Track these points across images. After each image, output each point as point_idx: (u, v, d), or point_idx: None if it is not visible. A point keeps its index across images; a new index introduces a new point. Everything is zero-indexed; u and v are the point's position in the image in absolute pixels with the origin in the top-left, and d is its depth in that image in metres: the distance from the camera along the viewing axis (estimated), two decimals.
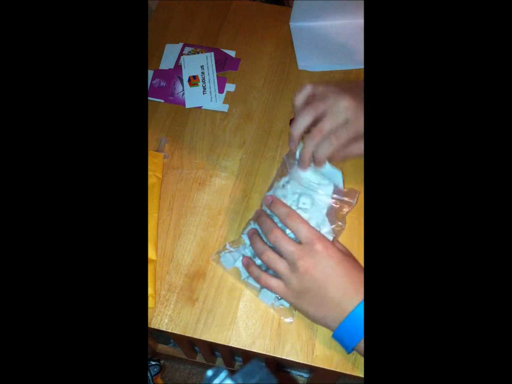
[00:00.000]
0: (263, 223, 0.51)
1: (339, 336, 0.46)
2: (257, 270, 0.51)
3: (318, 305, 0.47)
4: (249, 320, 0.53)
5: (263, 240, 0.51)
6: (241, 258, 0.54)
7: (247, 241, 0.55)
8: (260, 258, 0.50)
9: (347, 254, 0.50)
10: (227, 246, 0.56)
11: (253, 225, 0.56)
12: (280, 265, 0.48)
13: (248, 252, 0.55)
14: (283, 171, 0.57)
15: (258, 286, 0.54)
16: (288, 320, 0.53)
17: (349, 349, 0.46)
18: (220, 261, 0.55)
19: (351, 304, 0.45)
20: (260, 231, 0.52)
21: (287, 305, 0.53)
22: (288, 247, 0.47)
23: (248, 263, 0.52)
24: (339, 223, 0.53)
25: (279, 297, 0.53)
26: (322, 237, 0.48)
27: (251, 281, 0.54)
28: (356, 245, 0.57)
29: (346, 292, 0.46)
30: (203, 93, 0.70)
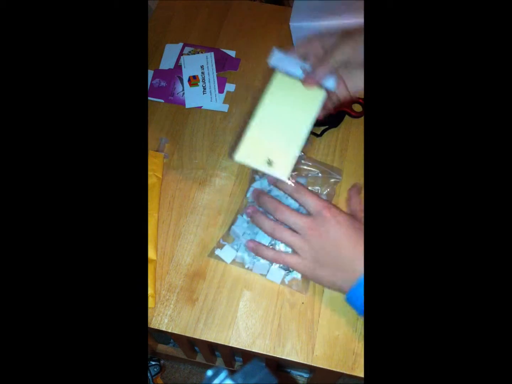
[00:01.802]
0: (266, 202, 0.52)
1: (353, 298, 0.48)
2: (270, 250, 0.52)
3: (332, 269, 0.49)
4: (249, 320, 0.53)
5: (268, 218, 0.52)
6: (240, 249, 0.55)
7: (239, 232, 0.56)
8: (272, 236, 0.51)
9: (354, 219, 0.51)
10: (221, 242, 0.57)
11: (241, 218, 0.57)
12: (294, 239, 0.49)
13: (244, 241, 0.55)
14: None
15: (265, 269, 0.55)
16: (302, 293, 0.54)
17: (361, 311, 0.47)
18: (220, 256, 0.55)
19: (362, 265, 0.47)
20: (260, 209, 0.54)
21: (298, 277, 0.54)
22: (299, 221, 0.49)
23: (256, 247, 0.53)
24: (328, 189, 0.59)
25: (288, 272, 0.54)
26: (330, 206, 0.50)
27: (256, 267, 0.55)
28: None
29: (357, 252, 0.47)
30: (203, 93, 0.70)
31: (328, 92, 0.50)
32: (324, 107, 0.51)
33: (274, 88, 0.49)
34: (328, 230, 0.48)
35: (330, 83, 0.49)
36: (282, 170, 0.48)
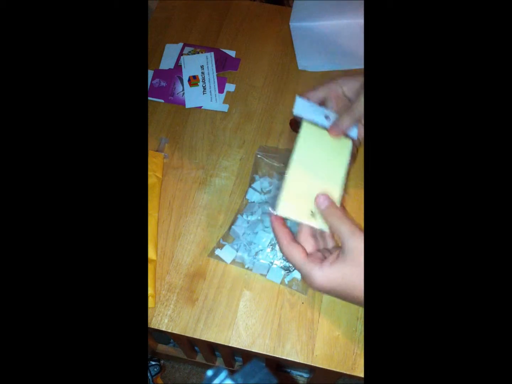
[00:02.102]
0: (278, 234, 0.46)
1: None
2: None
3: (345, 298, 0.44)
4: (249, 320, 0.53)
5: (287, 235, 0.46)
6: (240, 249, 0.55)
7: (239, 232, 0.56)
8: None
9: None
10: (221, 242, 0.57)
11: (241, 218, 0.57)
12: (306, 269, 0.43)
13: (244, 241, 0.55)
14: (257, 167, 0.61)
15: (264, 269, 0.55)
16: (302, 293, 0.54)
17: None
18: (220, 256, 0.55)
19: None
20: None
21: (298, 277, 0.54)
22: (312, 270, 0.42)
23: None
24: None
25: (288, 272, 0.54)
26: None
27: (256, 267, 0.55)
28: None
29: None
30: (203, 93, 0.70)
31: (352, 139, 0.50)
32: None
33: (304, 138, 0.49)
34: (353, 273, 0.41)
35: (354, 132, 0.50)
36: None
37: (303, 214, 0.45)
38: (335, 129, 0.49)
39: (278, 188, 0.48)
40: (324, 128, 0.49)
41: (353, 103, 0.48)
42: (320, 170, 0.47)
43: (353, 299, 0.42)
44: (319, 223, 0.45)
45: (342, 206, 0.49)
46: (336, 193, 0.46)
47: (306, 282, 0.43)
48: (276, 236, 0.45)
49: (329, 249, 0.46)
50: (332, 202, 0.45)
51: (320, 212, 0.45)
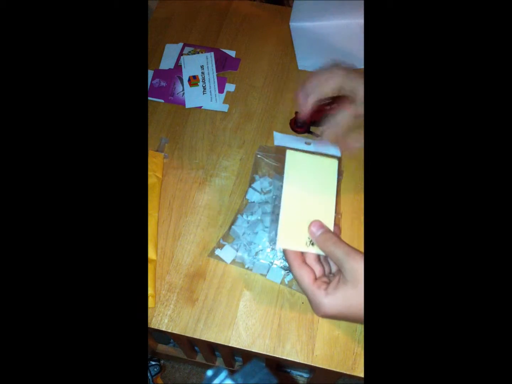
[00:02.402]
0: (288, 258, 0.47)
1: None
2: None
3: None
4: (249, 320, 0.53)
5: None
6: (240, 249, 0.55)
7: (239, 232, 0.56)
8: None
9: None
10: (221, 242, 0.57)
11: (241, 218, 0.57)
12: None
13: (244, 241, 0.55)
14: (257, 167, 0.61)
15: (264, 269, 0.55)
16: (302, 293, 0.53)
17: None
18: (220, 256, 0.55)
19: None
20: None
21: None
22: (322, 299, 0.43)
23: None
24: None
25: (288, 272, 0.54)
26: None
27: (256, 267, 0.55)
28: (356, 245, 0.57)
29: None
30: (203, 93, 0.70)
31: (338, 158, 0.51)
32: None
33: (291, 166, 0.49)
34: (356, 294, 0.41)
35: (336, 151, 0.52)
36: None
37: (301, 243, 0.46)
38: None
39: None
40: (308, 151, 0.50)
41: (338, 116, 0.50)
42: (311, 196, 0.48)
43: (360, 320, 0.43)
44: (317, 249, 0.46)
45: (337, 225, 0.50)
46: (329, 216, 0.47)
47: (313, 308, 0.44)
48: (286, 257, 0.46)
49: (333, 273, 0.47)
50: (326, 229, 0.46)
51: (315, 240, 0.46)
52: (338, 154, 0.51)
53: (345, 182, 0.61)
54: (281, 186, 0.56)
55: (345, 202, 0.60)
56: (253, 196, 0.59)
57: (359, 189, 0.61)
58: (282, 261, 0.55)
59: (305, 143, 0.52)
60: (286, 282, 0.55)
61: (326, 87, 0.49)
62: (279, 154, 0.62)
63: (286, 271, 0.55)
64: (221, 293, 0.55)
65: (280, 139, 0.53)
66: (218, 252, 0.56)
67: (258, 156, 0.62)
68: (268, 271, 0.55)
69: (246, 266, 0.56)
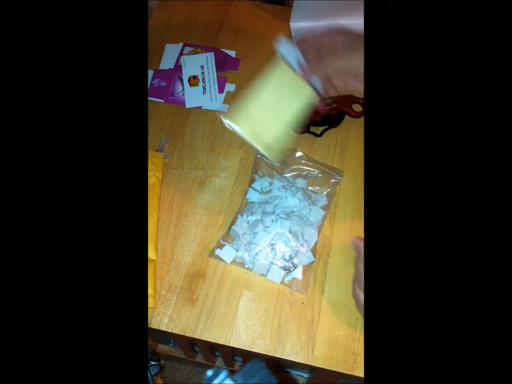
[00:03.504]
0: None
1: None
2: None
3: None
4: (249, 320, 0.53)
5: None
6: (240, 249, 0.55)
7: (239, 232, 0.56)
8: None
9: None
10: (221, 242, 0.57)
11: (241, 218, 0.57)
12: None
13: (244, 241, 0.55)
14: (257, 167, 0.62)
15: (264, 269, 0.55)
16: (302, 293, 0.54)
17: None
18: (220, 256, 0.55)
19: None
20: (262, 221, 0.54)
21: (298, 277, 0.54)
22: None
23: None
24: (328, 189, 0.60)
25: (288, 272, 0.54)
26: None
27: (256, 267, 0.55)
28: None
29: None
30: (203, 93, 0.70)
31: (319, 93, 0.51)
32: (318, 108, 0.52)
33: (274, 72, 0.51)
34: None
35: (317, 84, 0.51)
36: (271, 152, 0.50)
37: (245, 131, 0.48)
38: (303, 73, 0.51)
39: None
40: (296, 72, 0.51)
41: (325, 58, 0.49)
42: (275, 104, 0.50)
43: None
44: (256, 144, 0.48)
45: None
46: (277, 128, 0.49)
47: None
48: None
49: None
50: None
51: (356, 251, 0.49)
52: (319, 88, 0.51)
53: (345, 182, 0.61)
54: (282, 186, 0.57)
55: (345, 202, 0.60)
56: (253, 196, 0.59)
57: (359, 189, 0.61)
58: (282, 261, 0.55)
59: (298, 61, 0.52)
60: (286, 282, 0.55)
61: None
62: None
63: (286, 271, 0.55)
64: (221, 293, 0.55)
65: (283, 45, 0.54)
66: (218, 252, 0.56)
67: (258, 156, 0.62)
68: (268, 271, 0.55)
69: (246, 266, 0.56)
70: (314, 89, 0.51)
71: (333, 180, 0.61)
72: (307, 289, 0.54)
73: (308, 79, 0.50)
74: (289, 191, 0.59)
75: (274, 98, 0.50)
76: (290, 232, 0.56)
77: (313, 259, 0.55)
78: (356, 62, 0.47)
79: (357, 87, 0.48)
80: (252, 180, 0.61)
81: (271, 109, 0.50)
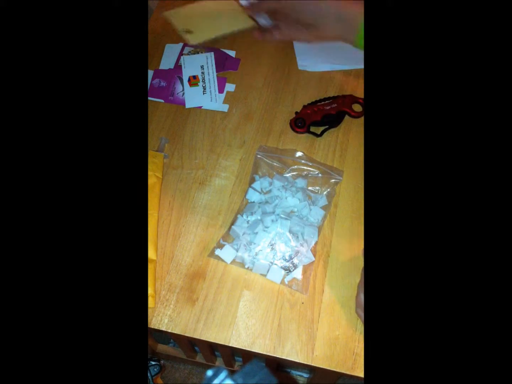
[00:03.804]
0: None
1: None
2: None
3: None
4: (249, 320, 0.53)
5: None
6: (240, 249, 0.55)
7: (239, 232, 0.56)
8: None
9: None
10: (221, 242, 0.57)
11: (241, 218, 0.57)
12: None
13: (244, 241, 0.55)
14: (257, 167, 0.62)
15: (264, 269, 0.55)
16: (302, 293, 0.54)
17: None
18: (220, 256, 0.55)
19: None
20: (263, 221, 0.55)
21: (298, 277, 0.54)
22: None
23: None
24: (328, 190, 0.60)
25: (288, 272, 0.54)
26: None
27: (256, 267, 0.55)
28: (356, 245, 0.57)
29: None
30: (203, 93, 0.70)
31: (264, 28, 0.58)
32: (255, 36, 0.58)
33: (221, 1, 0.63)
34: None
35: (265, 20, 0.59)
36: (197, 38, 0.61)
37: (181, 27, 0.61)
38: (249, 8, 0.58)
39: None
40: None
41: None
42: (217, 16, 0.63)
43: None
44: (190, 40, 0.61)
45: None
46: (212, 32, 0.62)
47: None
48: None
49: None
50: None
51: None
52: (267, 24, 0.59)
53: (345, 182, 0.61)
54: (282, 186, 0.57)
55: (345, 202, 0.60)
56: (253, 196, 0.59)
57: (359, 189, 0.61)
58: (282, 261, 0.55)
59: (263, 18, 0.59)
60: (286, 282, 0.55)
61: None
62: (279, 154, 0.62)
63: (286, 271, 0.55)
64: (221, 293, 0.55)
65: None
66: (218, 252, 0.56)
67: (258, 156, 0.62)
68: (268, 271, 0.55)
69: (246, 266, 0.56)
70: (257, 21, 0.60)
71: (333, 180, 0.61)
72: (307, 289, 0.54)
73: (254, 12, 0.58)
74: (289, 191, 0.59)
75: (216, 11, 0.63)
76: (290, 232, 0.56)
77: (313, 259, 0.55)
78: (307, 10, 0.50)
79: (301, 36, 0.54)
80: (252, 180, 0.61)
81: (209, 19, 0.63)
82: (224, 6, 0.63)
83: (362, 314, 0.49)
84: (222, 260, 0.56)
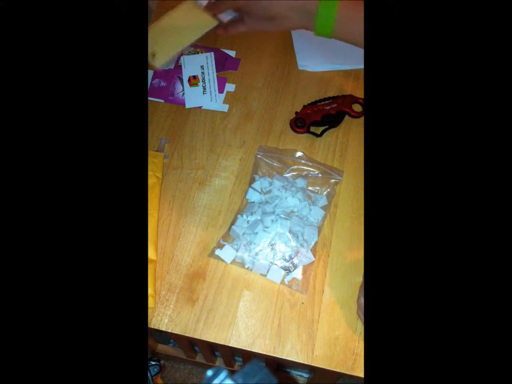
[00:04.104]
0: None
1: None
2: None
3: None
4: (249, 320, 0.53)
5: None
6: (240, 249, 0.55)
7: (239, 232, 0.56)
8: None
9: None
10: (221, 242, 0.57)
11: (241, 218, 0.57)
12: None
13: (244, 241, 0.55)
14: (257, 167, 0.62)
15: (264, 269, 0.55)
16: (302, 293, 0.54)
17: None
18: (220, 256, 0.55)
19: None
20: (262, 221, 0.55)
21: (298, 277, 0.54)
22: None
23: None
24: (328, 190, 0.60)
25: (288, 272, 0.54)
26: None
27: (256, 267, 0.55)
28: (356, 245, 0.57)
29: None
30: (203, 93, 0.70)
31: (228, 22, 0.60)
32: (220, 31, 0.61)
33: (182, 9, 0.65)
34: None
35: (228, 15, 0.61)
36: (159, 61, 0.65)
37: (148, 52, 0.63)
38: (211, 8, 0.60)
39: None
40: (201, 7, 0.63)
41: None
42: (177, 31, 0.65)
43: None
44: (154, 63, 0.64)
45: None
46: (172, 50, 0.65)
47: None
48: None
49: None
50: None
51: None
52: (225, 19, 0.61)
53: (345, 182, 0.61)
54: (282, 186, 0.57)
55: (345, 202, 0.60)
56: (253, 196, 0.59)
57: (359, 189, 0.61)
58: (282, 261, 0.55)
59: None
60: (286, 282, 0.55)
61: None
62: (280, 154, 0.62)
63: (286, 271, 0.55)
64: (221, 293, 0.55)
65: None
66: (218, 252, 0.56)
67: (258, 156, 0.62)
68: (268, 271, 0.55)
69: (246, 266, 0.56)
70: (220, 19, 0.61)
71: (333, 180, 0.61)
72: (307, 289, 0.54)
73: (217, 12, 0.60)
74: (289, 191, 0.59)
75: (177, 28, 0.65)
76: (290, 232, 0.56)
77: (313, 259, 0.55)
78: (270, 5, 0.52)
79: (265, 28, 0.56)
80: (252, 180, 0.61)
81: (175, 35, 0.65)
82: (184, 14, 0.65)
83: (363, 316, 0.49)
84: (222, 260, 0.56)
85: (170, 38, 0.64)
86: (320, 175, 0.61)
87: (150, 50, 0.63)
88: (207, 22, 0.63)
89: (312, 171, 0.61)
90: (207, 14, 0.62)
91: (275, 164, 0.62)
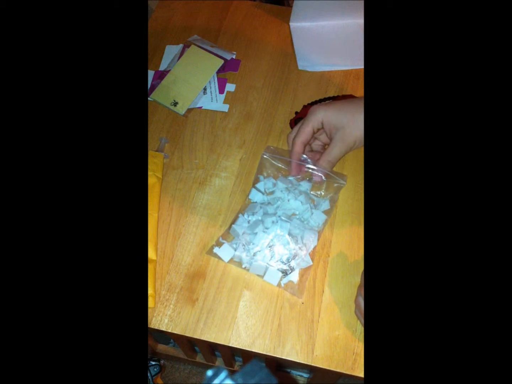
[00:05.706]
0: None
1: None
2: None
3: None
4: (249, 320, 0.53)
5: None
6: (238, 248, 0.56)
7: (239, 231, 0.56)
8: None
9: None
10: (220, 240, 0.57)
11: (241, 218, 0.57)
12: None
13: (243, 241, 0.55)
14: (262, 167, 0.62)
15: (261, 270, 0.55)
16: (298, 297, 0.54)
17: None
18: (218, 255, 0.55)
19: None
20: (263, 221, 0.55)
21: (295, 280, 0.54)
22: None
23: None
24: (331, 194, 0.60)
25: (285, 275, 0.54)
26: None
27: (253, 268, 0.55)
28: (356, 245, 0.57)
29: None
30: (204, 93, 0.70)
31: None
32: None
33: (188, 55, 0.72)
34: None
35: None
36: (183, 108, 0.68)
37: (168, 102, 0.68)
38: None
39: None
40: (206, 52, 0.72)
41: (329, 145, 0.57)
42: (190, 77, 0.70)
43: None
44: (177, 110, 0.68)
45: None
46: (192, 95, 0.69)
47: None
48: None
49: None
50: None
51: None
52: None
53: (346, 184, 0.61)
54: (285, 188, 0.57)
55: (345, 202, 0.60)
56: (255, 196, 0.59)
57: (359, 189, 0.61)
58: (280, 263, 0.55)
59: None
60: (282, 285, 0.54)
61: (307, 127, 0.57)
62: (286, 156, 0.61)
63: (283, 274, 0.55)
64: (221, 293, 0.55)
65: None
66: (216, 250, 0.56)
67: (265, 156, 0.62)
68: (265, 273, 0.54)
69: (243, 266, 0.55)
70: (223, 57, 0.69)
71: (336, 185, 0.60)
72: (302, 293, 0.54)
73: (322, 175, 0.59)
74: (292, 194, 0.59)
75: (190, 73, 0.70)
76: (289, 234, 0.55)
77: (311, 263, 0.55)
78: None
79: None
80: (257, 180, 0.61)
81: (189, 80, 0.70)
82: (192, 60, 0.71)
83: (361, 316, 0.49)
84: (220, 258, 0.56)
85: (186, 85, 0.69)
86: (324, 179, 0.60)
87: (170, 100, 0.68)
88: (215, 62, 0.71)
89: (316, 175, 0.61)
90: (211, 54, 0.70)
91: (280, 165, 0.61)
